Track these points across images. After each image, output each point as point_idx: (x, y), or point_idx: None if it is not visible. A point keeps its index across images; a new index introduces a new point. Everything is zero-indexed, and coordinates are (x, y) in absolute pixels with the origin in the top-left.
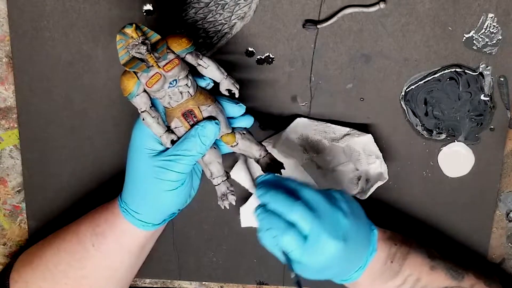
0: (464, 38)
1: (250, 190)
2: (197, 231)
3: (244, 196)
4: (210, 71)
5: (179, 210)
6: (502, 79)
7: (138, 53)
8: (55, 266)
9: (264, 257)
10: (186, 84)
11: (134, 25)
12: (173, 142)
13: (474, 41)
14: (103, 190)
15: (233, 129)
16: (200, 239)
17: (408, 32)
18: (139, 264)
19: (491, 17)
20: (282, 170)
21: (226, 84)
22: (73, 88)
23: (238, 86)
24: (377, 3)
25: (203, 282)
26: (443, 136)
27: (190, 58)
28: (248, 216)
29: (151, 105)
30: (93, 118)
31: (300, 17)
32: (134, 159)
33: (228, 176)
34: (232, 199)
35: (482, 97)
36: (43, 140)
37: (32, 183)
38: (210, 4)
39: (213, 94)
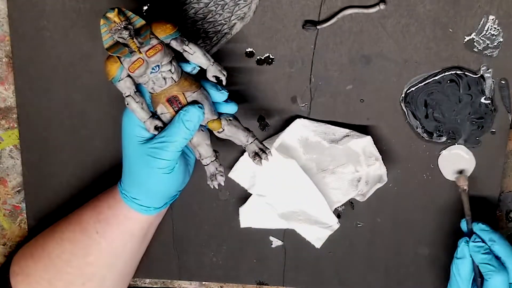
0: (465, 40)
1: (249, 191)
2: (197, 231)
3: (243, 197)
4: (196, 57)
5: (179, 191)
6: (503, 82)
7: (121, 37)
8: (58, 256)
9: (264, 257)
10: (170, 70)
11: (116, 9)
12: (157, 128)
13: (475, 43)
14: (103, 190)
15: (220, 115)
16: (200, 239)
17: (408, 34)
18: (142, 250)
19: (492, 19)
20: (268, 157)
21: (213, 71)
22: (73, 88)
23: (225, 73)
24: (377, 4)
25: (203, 282)
26: (444, 138)
27: (175, 44)
28: (247, 217)
29: (135, 90)
30: (93, 118)
31: (300, 18)
32: (126, 146)
33: (217, 157)
34: (221, 179)
35: (483, 99)
36: (43, 140)
37: (32, 183)
38: (209, 5)
39: (199, 79)
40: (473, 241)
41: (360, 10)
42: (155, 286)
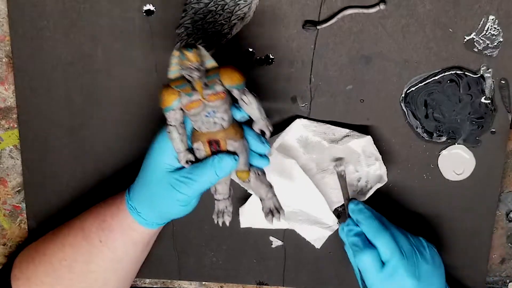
0: (465, 40)
1: (249, 191)
2: (197, 231)
3: (243, 197)
4: (251, 108)
5: None
6: (503, 82)
7: (190, 76)
8: (59, 262)
9: (264, 257)
10: (223, 118)
11: (194, 50)
12: (188, 162)
13: (475, 43)
14: (103, 190)
15: (250, 165)
16: (200, 239)
17: (408, 34)
18: (144, 256)
19: (492, 19)
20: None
21: (261, 125)
22: (73, 88)
23: (271, 129)
24: (377, 4)
25: (203, 282)
26: (444, 138)
27: (236, 93)
28: (247, 217)
29: (181, 122)
30: (93, 118)
31: (300, 18)
32: (150, 168)
33: (230, 195)
34: (227, 219)
35: (483, 99)
36: (43, 140)
37: (32, 183)
38: (210, 5)
39: (242, 124)
40: (346, 225)
41: (360, 10)
42: (155, 286)
